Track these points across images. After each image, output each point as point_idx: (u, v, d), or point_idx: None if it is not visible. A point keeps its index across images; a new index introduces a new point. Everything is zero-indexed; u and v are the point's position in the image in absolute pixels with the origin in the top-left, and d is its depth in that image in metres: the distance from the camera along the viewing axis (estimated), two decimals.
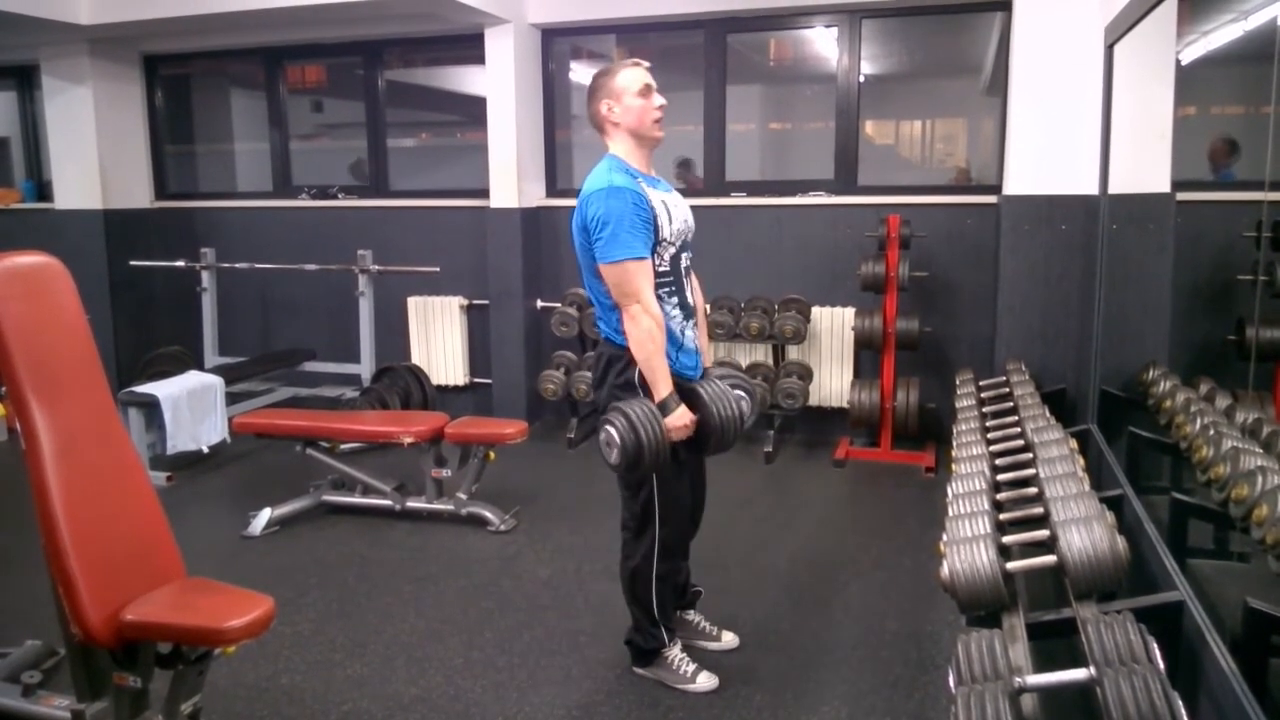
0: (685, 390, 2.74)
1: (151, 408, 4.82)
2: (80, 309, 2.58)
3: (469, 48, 5.87)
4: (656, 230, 2.71)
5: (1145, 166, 4.16)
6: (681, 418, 2.68)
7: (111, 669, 2.42)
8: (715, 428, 2.73)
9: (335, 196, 6.53)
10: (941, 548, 2.37)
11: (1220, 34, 4.33)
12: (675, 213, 2.78)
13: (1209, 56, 4.28)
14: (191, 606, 2.39)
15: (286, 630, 3.28)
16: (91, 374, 2.56)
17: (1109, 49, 4.24)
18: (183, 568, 2.57)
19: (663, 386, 2.68)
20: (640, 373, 2.72)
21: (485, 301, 6.08)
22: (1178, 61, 4.11)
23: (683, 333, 2.82)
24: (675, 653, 2.95)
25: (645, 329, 2.64)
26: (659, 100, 2.80)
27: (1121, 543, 2.17)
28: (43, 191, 7.24)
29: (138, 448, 4.26)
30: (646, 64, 2.84)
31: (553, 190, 6.13)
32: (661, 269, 2.76)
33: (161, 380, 5.10)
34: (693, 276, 2.96)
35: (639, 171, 2.77)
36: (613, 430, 2.61)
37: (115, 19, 5.70)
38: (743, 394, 2.91)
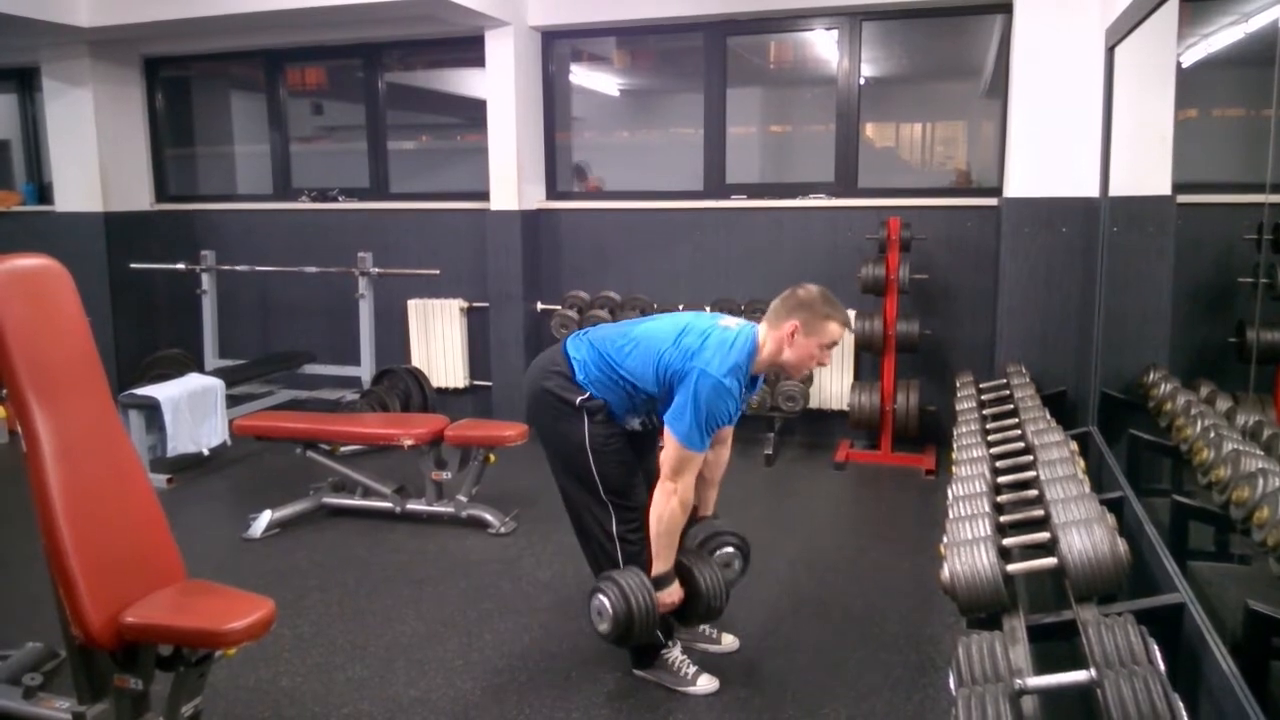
0: (679, 565, 2.84)
1: (152, 410, 4.82)
2: (81, 311, 2.58)
3: (469, 50, 5.87)
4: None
5: (1146, 169, 4.16)
6: (673, 594, 2.80)
7: (112, 671, 2.42)
8: (700, 611, 2.87)
9: (335, 199, 6.54)
10: (942, 550, 2.37)
11: (1221, 36, 4.33)
12: (735, 413, 2.78)
13: (1210, 59, 4.28)
14: (192, 609, 2.39)
15: (287, 632, 3.28)
16: (92, 376, 2.56)
17: (1110, 51, 4.25)
18: (183, 570, 2.57)
19: (663, 563, 2.78)
20: (583, 399, 2.79)
21: (485, 304, 6.08)
22: (1178, 64, 4.11)
23: (624, 422, 2.87)
24: (675, 654, 2.95)
25: (672, 509, 2.72)
26: (827, 359, 2.83)
27: (1122, 545, 2.17)
28: (43, 194, 7.25)
29: (138, 450, 4.26)
30: (851, 328, 2.82)
31: (552, 193, 6.13)
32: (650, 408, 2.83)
33: (162, 382, 5.09)
34: (726, 448, 3.05)
35: (755, 374, 2.80)
36: (605, 600, 2.68)
37: (115, 21, 5.70)
38: (731, 550, 3.01)
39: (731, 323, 2.80)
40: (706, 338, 2.70)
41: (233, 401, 5.45)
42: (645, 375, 2.75)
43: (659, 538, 2.75)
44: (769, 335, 2.76)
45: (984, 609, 2.27)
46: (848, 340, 5.37)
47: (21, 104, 7.43)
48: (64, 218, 6.68)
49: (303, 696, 2.90)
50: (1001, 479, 3.00)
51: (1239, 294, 4.52)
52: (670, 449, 2.69)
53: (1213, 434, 2.92)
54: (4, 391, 2.40)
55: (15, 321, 2.37)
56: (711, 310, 5.35)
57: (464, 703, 2.86)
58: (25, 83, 7.29)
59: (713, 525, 3.05)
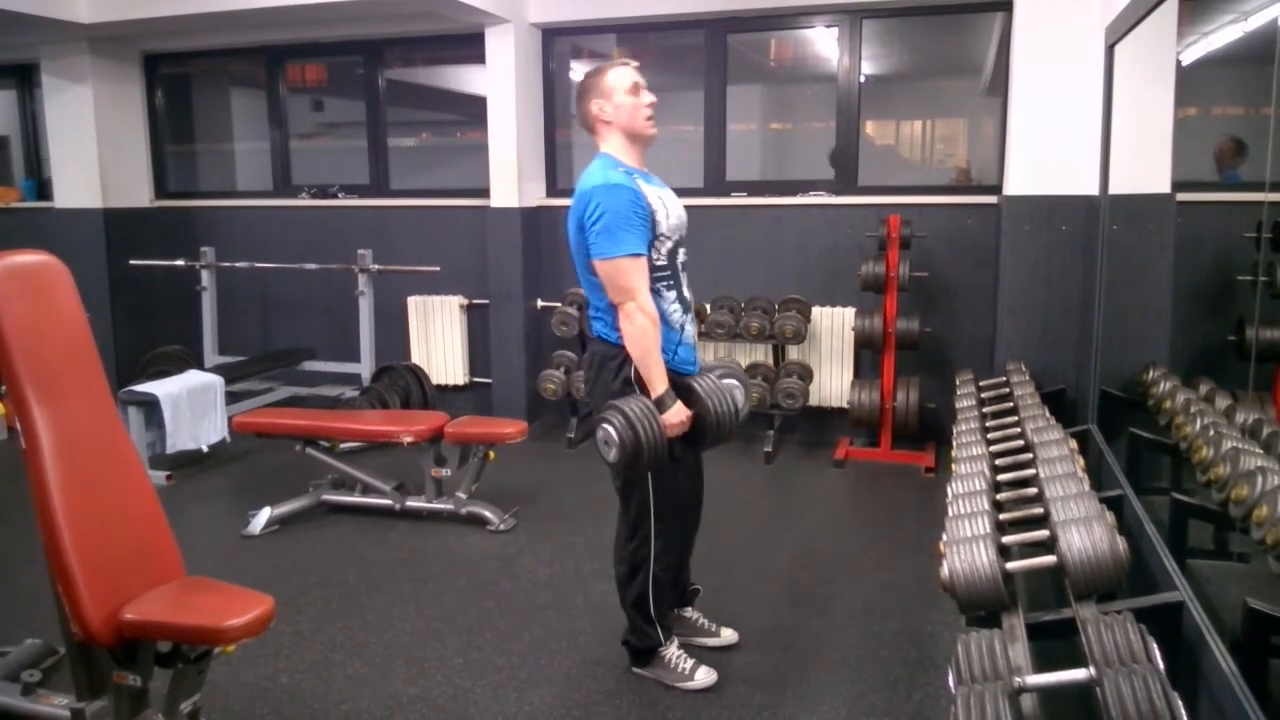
0: (680, 386, 2.74)
1: (151, 407, 4.82)
2: (80, 308, 2.58)
3: (469, 47, 5.87)
4: (654, 226, 2.72)
5: (1146, 167, 4.16)
6: (678, 414, 2.68)
7: (111, 668, 2.42)
8: (711, 423, 2.73)
9: (335, 196, 6.53)
10: (941, 548, 2.37)
11: (1221, 35, 4.33)
12: (671, 208, 2.79)
13: (1209, 57, 4.28)
14: (191, 605, 2.39)
15: (286, 629, 3.28)
16: (91, 373, 2.56)
17: (1109, 49, 4.24)
18: (182, 567, 2.57)
19: (659, 383, 2.68)
20: (637, 370, 2.72)
21: (485, 301, 6.08)
22: (1178, 62, 4.11)
23: (683, 328, 2.83)
24: (672, 651, 2.95)
25: (640, 326, 2.65)
26: (649, 97, 2.81)
27: (1121, 543, 2.17)
28: (43, 190, 7.24)
29: (137, 447, 4.26)
30: (634, 63, 2.85)
31: (553, 190, 6.13)
32: (660, 263, 2.76)
33: (161, 379, 5.10)
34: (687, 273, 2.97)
35: (633, 168, 2.78)
36: (610, 428, 2.61)
37: (115, 17, 5.70)
38: (735, 383, 2.93)
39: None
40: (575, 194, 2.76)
41: (232, 398, 5.45)
42: (591, 285, 2.77)
43: (643, 359, 2.67)
44: (604, 138, 2.83)
45: (983, 607, 2.27)
46: (848, 338, 5.38)
47: (21, 100, 7.41)
48: (63, 214, 6.68)
49: (302, 694, 2.90)
50: (1001, 477, 3.00)
51: (1238, 292, 4.52)
52: (606, 275, 2.66)
53: (1212, 432, 2.92)
54: (3, 388, 2.40)
55: (14, 318, 2.37)
56: (711, 310, 5.39)
57: (463, 700, 2.87)
58: (25, 79, 7.27)
59: (707, 366, 2.99)
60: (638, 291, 2.65)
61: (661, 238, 2.75)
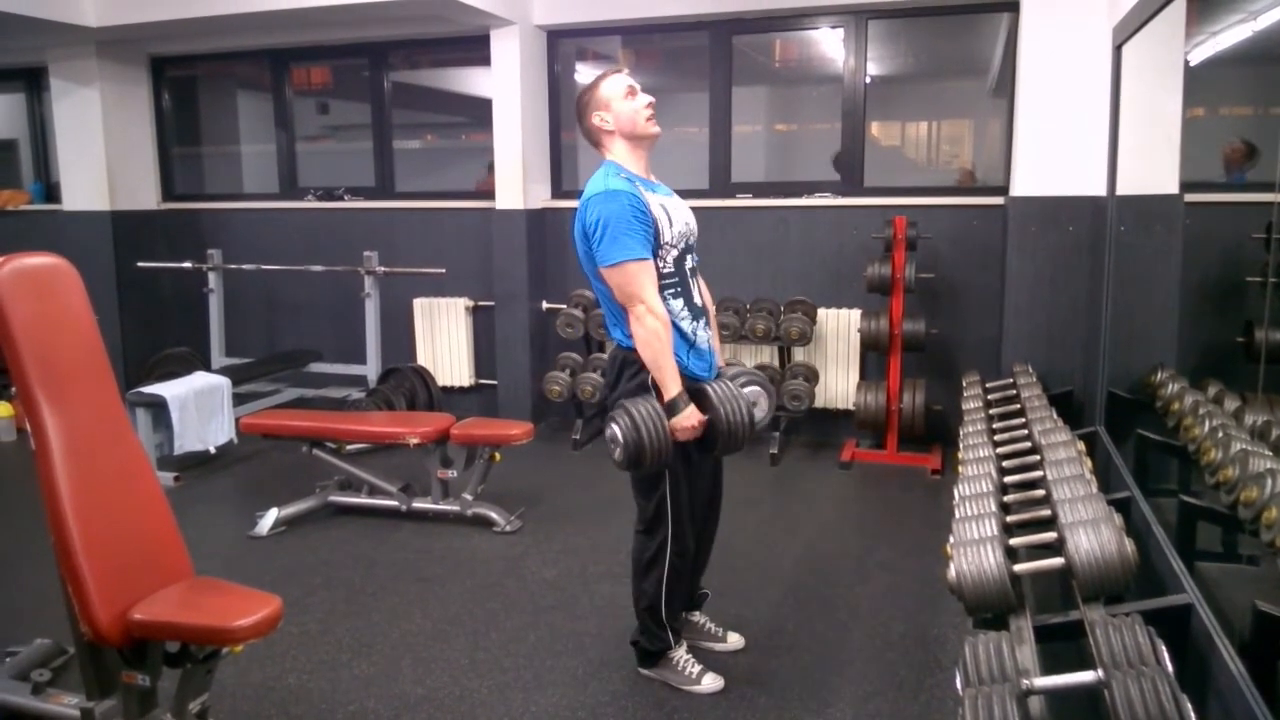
0: (694, 391, 2.73)
1: (159, 408, 4.83)
2: (89, 309, 2.59)
3: (474, 49, 5.88)
4: (657, 234, 2.71)
5: (1153, 168, 4.15)
6: (689, 418, 2.67)
7: (120, 667, 2.43)
8: (723, 430, 2.71)
9: (341, 198, 6.55)
10: (948, 550, 2.37)
11: (1229, 35, 4.32)
12: (675, 215, 2.78)
13: (1218, 57, 4.27)
14: (199, 606, 2.40)
15: (293, 630, 3.29)
16: (100, 374, 2.57)
17: (1117, 50, 4.23)
18: (190, 567, 2.58)
19: (671, 386, 2.67)
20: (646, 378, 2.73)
21: (490, 303, 6.09)
22: (1186, 62, 4.09)
23: (694, 334, 2.82)
24: (680, 654, 2.95)
25: (650, 329, 2.64)
26: (645, 98, 2.82)
27: (1129, 545, 2.16)
28: (51, 193, 7.28)
29: (145, 448, 4.27)
30: (624, 68, 2.87)
31: (558, 192, 6.13)
32: (666, 271, 2.75)
33: (169, 381, 5.12)
34: (699, 278, 2.96)
35: (636, 176, 2.78)
36: (616, 428, 2.63)
37: (122, 21, 5.72)
38: (757, 388, 2.91)
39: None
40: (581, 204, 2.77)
41: (239, 400, 5.47)
42: (602, 294, 2.78)
43: (654, 361, 2.67)
44: (608, 148, 2.83)
45: (990, 609, 2.27)
46: (854, 339, 5.37)
47: (29, 103, 7.45)
48: (71, 217, 6.70)
49: (309, 694, 2.91)
50: (1008, 479, 2.99)
51: (1248, 293, 4.50)
52: (614, 280, 2.66)
53: (1221, 434, 2.91)
54: (13, 389, 2.41)
55: (24, 319, 2.39)
56: (717, 311, 5.38)
57: (470, 701, 2.87)
58: (33, 82, 7.31)
59: (732, 369, 2.99)
60: (645, 294, 2.65)
61: (666, 246, 2.74)
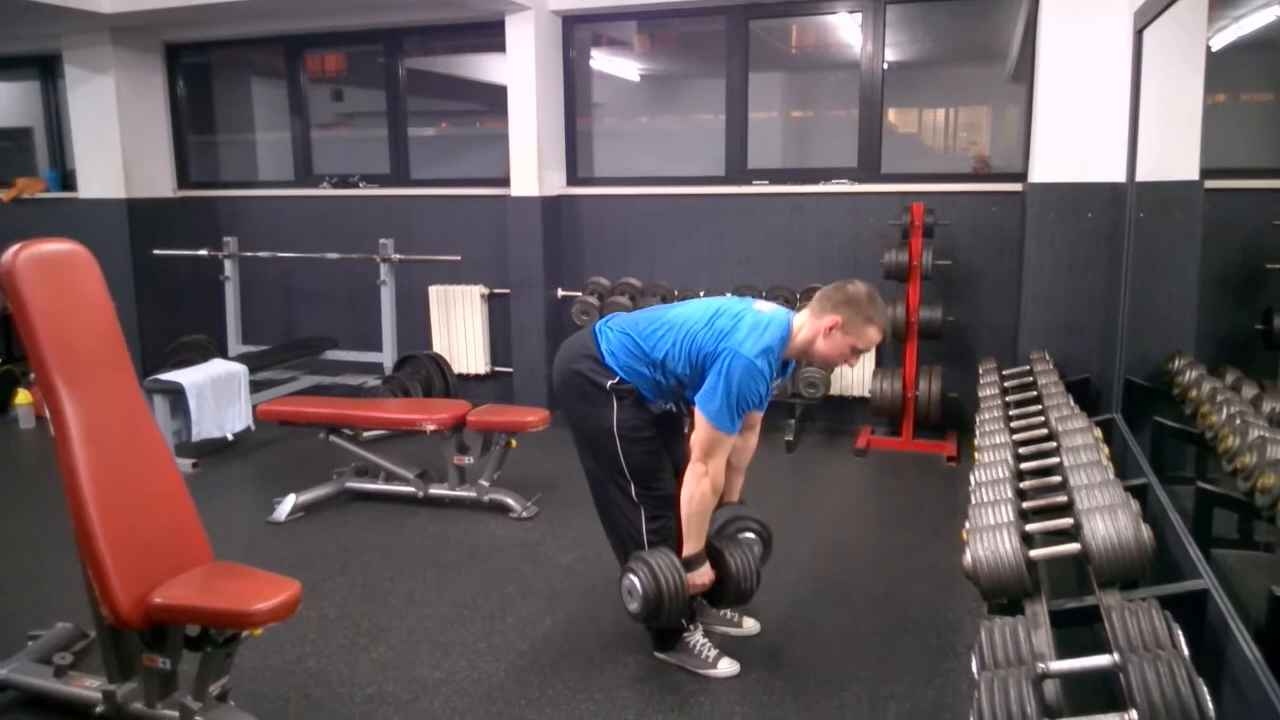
0: (712, 552, 2.85)
1: (177, 395, 4.87)
2: (107, 296, 2.61)
3: (489, 35, 5.87)
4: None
5: (1173, 154, 4.11)
6: (704, 575, 2.80)
7: (141, 651, 2.46)
8: (732, 591, 2.86)
9: (356, 185, 6.56)
10: (964, 535, 2.37)
11: (1252, 19, 4.27)
12: (767, 394, 2.79)
13: (1240, 42, 4.23)
14: (219, 590, 2.42)
15: (312, 614, 3.31)
16: (118, 361, 2.59)
17: (1138, 34, 4.19)
18: (210, 552, 2.61)
19: (694, 544, 2.78)
20: (613, 383, 2.80)
21: (506, 290, 6.10)
22: (1208, 48, 4.05)
23: (654, 404, 2.89)
24: (697, 638, 2.96)
25: (702, 491, 2.72)
26: (855, 361, 2.84)
27: (1146, 531, 2.16)
28: (66, 181, 7.32)
29: (164, 434, 4.30)
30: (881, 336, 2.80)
31: (573, 179, 6.12)
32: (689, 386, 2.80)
33: (186, 368, 5.14)
34: (754, 434, 3.05)
35: (783, 359, 2.78)
36: (635, 580, 2.69)
37: (137, 7, 5.74)
38: (753, 536, 3.02)
39: (765, 307, 2.79)
40: (739, 319, 2.70)
41: (256, 387, 5.50)
42: (676, 357, 2.75)
43: (690, 519, 2.75)
44: (808, 323, 2.75)
45: (1006, 594, 2.27)
46: None
47: (44, 91, 7.49)
48: (87, 205, 6.75)
49: (328, 677, 2.94)
50: (1024, 465, 2.99)
51: (1267, 280, 4.47)
52: (701, 430, 2.69)
53: (1238, 421, 2.90)
54: (32, 376, 2.43)
55: (42, 306, 2.40)
56: (734, 293, 5.37)
57: (487, 684, 2.89)
58: (48, 70, 7.34)
59: (735, 510, 3.06)
60: (717, 461, 2.71)
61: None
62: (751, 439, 3.06)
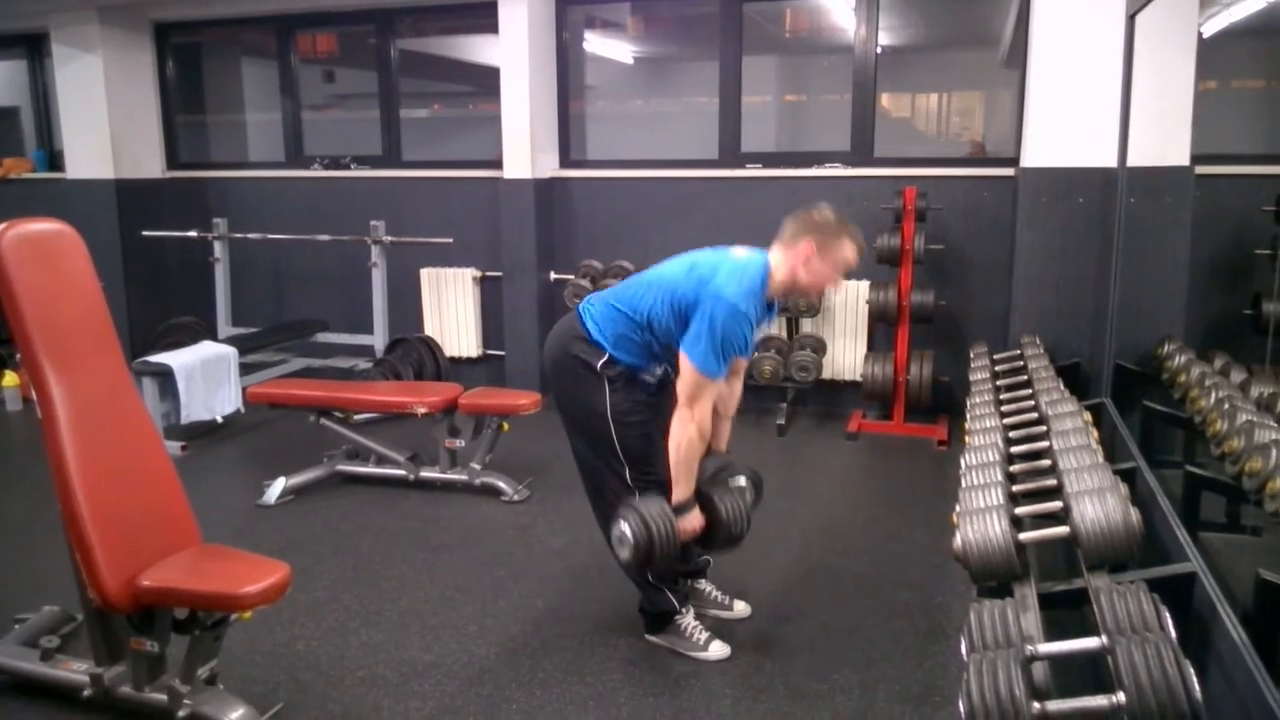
0: (702, 496, 2.82)
1: (166, 377, 4.84)
2: (94, 277, 2.59)
3: (482, 16, 5.83)
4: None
5: (1165, 139, 4.12)
6: (694, 520, 2.76)
7: (129, 634, 2.46)
8: (721, 536, 2.83)
9: (348, 167, 6.52)
10: (955, 518, 2.37)
11: (1242, 6, 4.27)
12: (751, 338, 2.78)
13: (1232, 29, 4.23)
14: (208, 572, 2.42)
15: (302, 597, 3.31)
16: (106, 342, 2.57)
17: (1130, 19, 4.18)
18: (198, 535, 2.60)
19: (683, 490, 2.75)
20: (603, 363, 2.79)
21: (498, 273, 6.08)
22: (1199, 34, 4.05)
23: (648, 372, 2.87)
24: (688, 620, 2.96)
25: (690, 436, 2.69)
26: (840, 281, 2.81)
27: (1134, 514, 2.16)
28: (54, 161, 7.26)
29: (152, 417, 4.29)
30: (861, 248, 2.79)
31: (566, 161, 6.10)
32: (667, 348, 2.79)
33: (175, 350, 5.12)
34: (739, 379, 3.02)
35: (766, 299, 2.77)
36: (626, 527, 2.65)
37: None
38: (745, 482, 3.01)
39: (741, 252, 2.79)
40: (718, 267, 2.71)
41: (246, 369, 5.47)
42: (660, 312, 2.74)
43: (678, 465, 2.73)
44: (783, 257, 2.75)
45: (996, 577, 2.28)
46: (862, 310, 5.36)
47: (31, 70, 7.41)
48: (75, 185, 6.69)
49: (318, 660, 2.94)
50: (1015, 449, 2.99)
51: (1256, 266, 4.48)
52: (686, 376, 2.67)
53: (1226, 405, 2.91)
54: (19, 356, 2.42)
55: (29, 285, 2.38)
56: None
57: (478, 667, 2.89)
58: (35, 48, 7.26)
59: (725, 458, 3.04)
60: (703, 406, 2.68)
61: None
62: (736, 385, 3.04)
